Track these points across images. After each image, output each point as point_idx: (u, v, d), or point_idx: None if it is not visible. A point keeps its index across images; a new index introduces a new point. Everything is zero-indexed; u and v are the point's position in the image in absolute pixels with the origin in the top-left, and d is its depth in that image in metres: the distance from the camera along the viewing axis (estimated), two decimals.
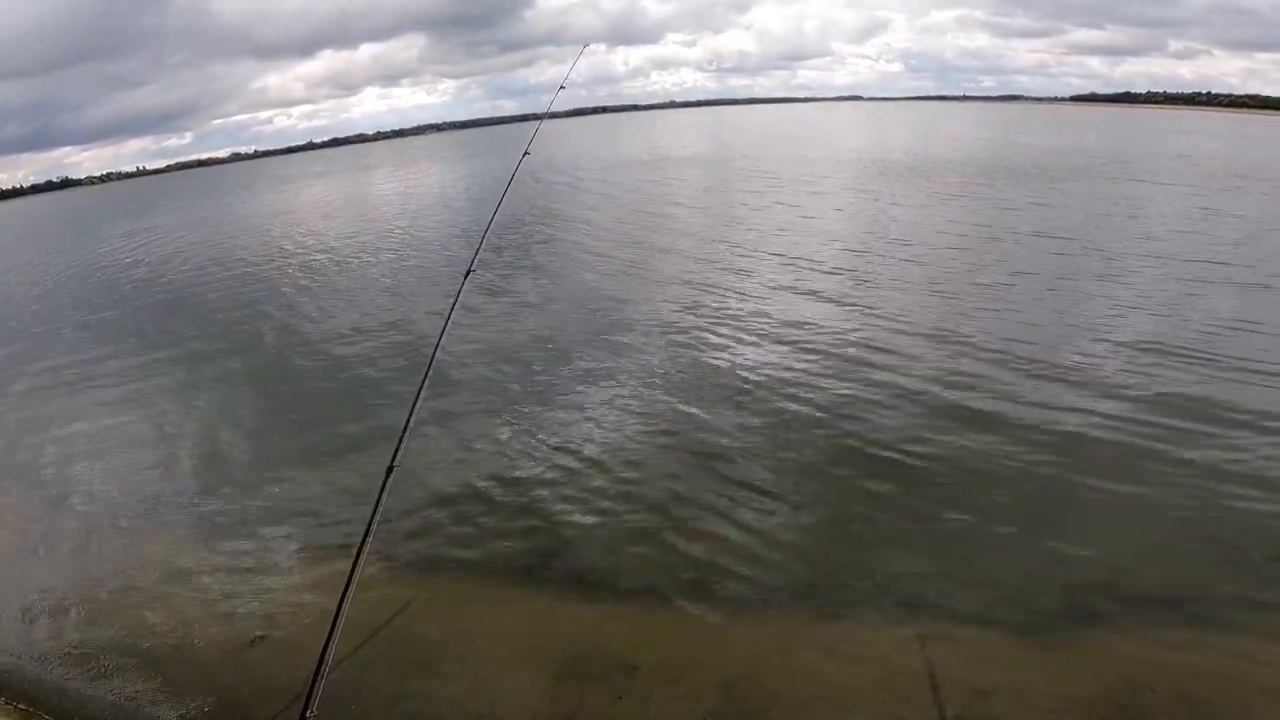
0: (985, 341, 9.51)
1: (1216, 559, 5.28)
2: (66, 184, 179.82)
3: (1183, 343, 9.15)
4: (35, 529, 7.14)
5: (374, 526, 2.21)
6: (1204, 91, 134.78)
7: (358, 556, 2.12)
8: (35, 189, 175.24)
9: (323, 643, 1.98)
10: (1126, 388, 7.97)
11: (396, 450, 2.49)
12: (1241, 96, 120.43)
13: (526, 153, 5.26)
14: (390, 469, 2.43)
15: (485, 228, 4.11)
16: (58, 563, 6.50)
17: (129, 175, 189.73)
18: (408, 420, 2.61)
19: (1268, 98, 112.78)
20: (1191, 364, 8.49)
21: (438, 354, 2.96)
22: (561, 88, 5.94)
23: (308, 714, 1.91)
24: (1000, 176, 26.32)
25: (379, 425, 8.46)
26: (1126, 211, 18.72)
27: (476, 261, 3.65)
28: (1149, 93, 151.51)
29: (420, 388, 2.74)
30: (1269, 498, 5.90)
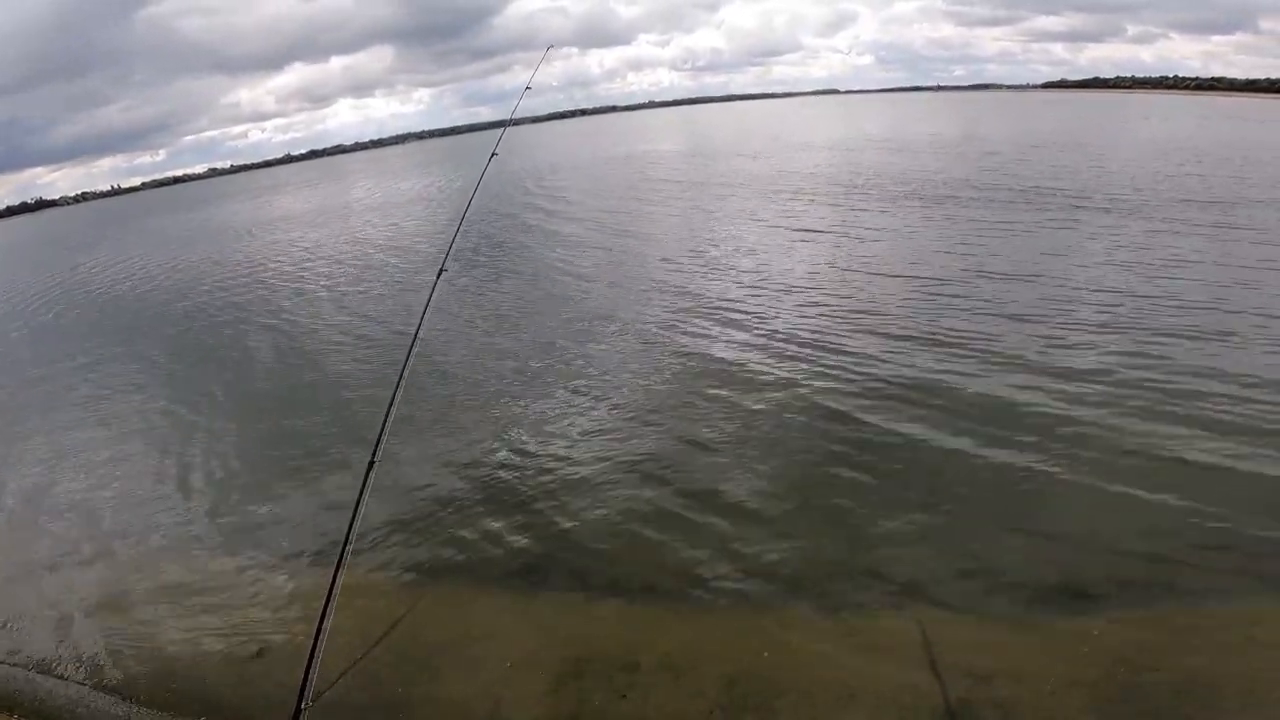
0: (973, 331, 9.51)
1: (1212, 537, 5.27)
2: (41, 205, 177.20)
3: (1166, 325, 9.22)
4: (42, 553, 7.01)
5: (359, 516, 2.23)
6: (1170, 75, 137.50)
7: (345, 544, 2.12)
8: (11, 210, 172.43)
9: (312, 635, 1.93)
10: (1110, 371, 7.99)
11: (376, 446, 2.50)
12: (1208, 80, 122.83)
13: (494, 154, 5.35)
14: (371, 464, 2.44)
15: (456, 228, 4.09)
16: (65, 582, 6.42)
17: (104, 194, 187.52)
18: (385, 418, 2.62)
19: (1233, 80, 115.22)
20: (1177, 344, 8.54)
21: (414, 352, 2.97)
22: (528, 88, 6.05)
23: (302, 705, 1.85)
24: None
25: (365, 429, 8.34)
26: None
27: (448, 260, 3.61)
28: (1118, 77, 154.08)
29: (397, 386, 2.77)
30: (1259, 472, 5.93)
